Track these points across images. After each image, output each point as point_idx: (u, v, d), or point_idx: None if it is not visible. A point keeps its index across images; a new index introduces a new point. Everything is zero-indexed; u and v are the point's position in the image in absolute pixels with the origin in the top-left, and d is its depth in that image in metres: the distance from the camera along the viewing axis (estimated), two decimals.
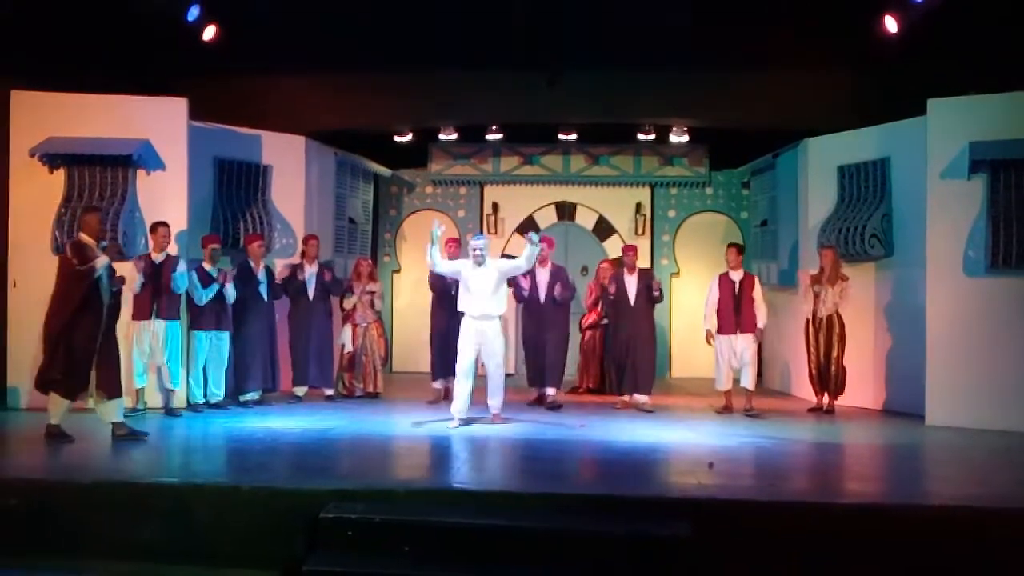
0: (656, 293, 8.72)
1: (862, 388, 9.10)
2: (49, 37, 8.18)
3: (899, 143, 8.90)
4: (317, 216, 10.33)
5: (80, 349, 6.31)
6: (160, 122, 8.38)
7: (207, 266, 8.27)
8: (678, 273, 12.37)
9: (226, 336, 8.34)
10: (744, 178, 12.18)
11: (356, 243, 11.41)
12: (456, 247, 9.13)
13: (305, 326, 8.98)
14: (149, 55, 8.84)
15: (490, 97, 10.18)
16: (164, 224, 7.99)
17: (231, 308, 8.40)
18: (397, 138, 11.29)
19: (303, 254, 9.18)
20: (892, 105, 8.84)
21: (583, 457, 6.45)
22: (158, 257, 7.92)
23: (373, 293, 9.47)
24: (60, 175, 8.24)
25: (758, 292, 8.65)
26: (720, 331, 8.61)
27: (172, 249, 8.06)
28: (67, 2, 8.10)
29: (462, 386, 7.50)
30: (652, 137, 11.21)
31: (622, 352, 8.81)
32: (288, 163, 9.93)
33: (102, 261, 6.35)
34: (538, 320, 8.78)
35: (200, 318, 8.20)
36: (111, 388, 6.49)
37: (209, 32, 8.77)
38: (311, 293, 8.98)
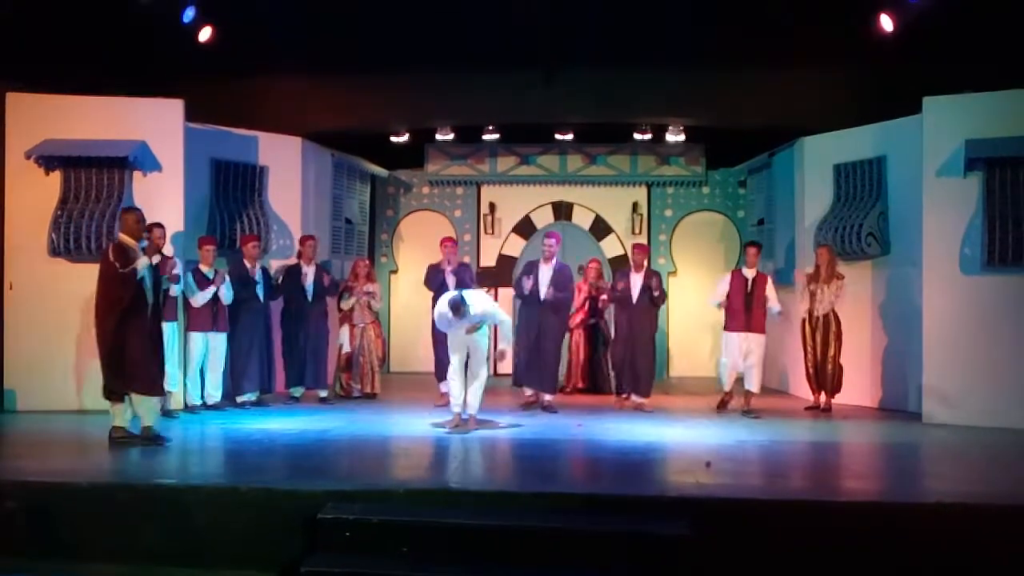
0: (656, 293, 8.61)
1: (859, 386, 9.11)
2: (45, 39, 8.16)
3: (895, 142, 8.91)
4: (314, 217, 10.33)
5: (139, 349, 6.29)
6: (156, 123, 8.38)
7: (204, 268, 8.27)
8: (675, 272, 12.38)
9: (223, 337, 8.33)
10: (741, 177, 12.19)
11: (353, 244, 11.41)
12: (453, 246, 9.09)
13: (301, 327, 8.96)
14: (145, 57, 8.83)
15: (486, 97, 10.17)
16: (160, 226, 7.93)
17: (227, 309, 8.39)
18: (394, 139, 11.28)
19: (300, 254, 9.16)
20: (888, 104, 8.85)
21: (581, 457, 6.46)
22: (154, 258, 7.88)
23: (370, 294, 9.47)
24: (56, 177, 8.23)
25: (771, 290, 8.46)
26: (728, 328, 8.45)
27: (168, 251, 8.05)
28: (63, 4, 8.09)
29: (454, 384, 7.49)
30: (648, 136, 11.22)
31: (621, 351, 8.75)
32: (285, 164, 9.93)
33: (143, 262, 6.33)
34: (537, 320, 8.52)
35: (197, 319, 8.20)
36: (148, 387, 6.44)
37: (205, 33, 8.75)
38: (308, 294, 8.96)
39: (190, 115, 8.58)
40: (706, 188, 12.48)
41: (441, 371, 8.82)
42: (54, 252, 8.12)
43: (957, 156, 7.91)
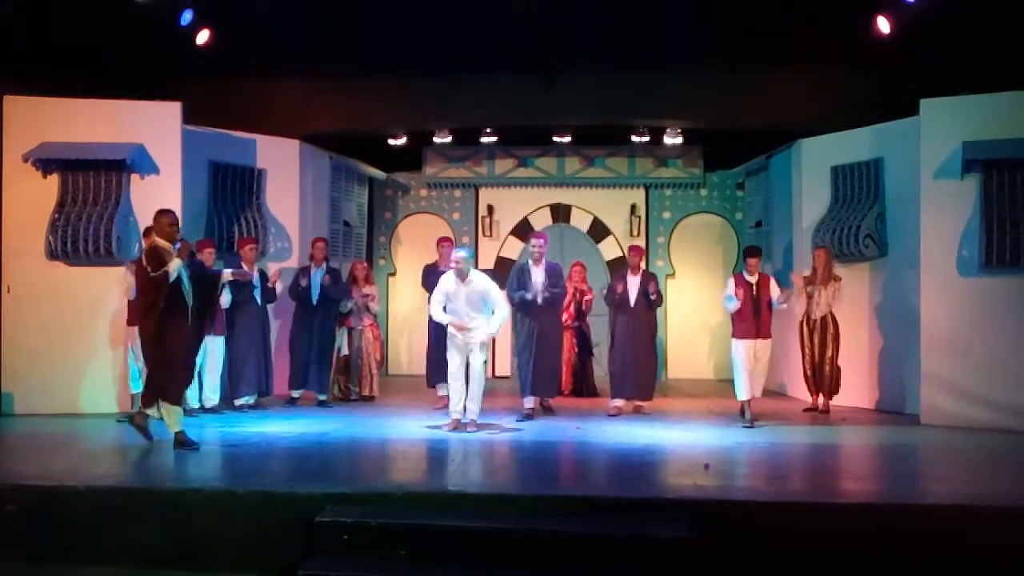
0: (654, 296, 8.51)
1: (857, 388, 9.11)
2: (43, 42, 8.17)
3: (892, 143, 8.92)
4: (312, 220, 10.33)
5: (177, 350, 6.30)
6: (154, 126, 8.39)
7: None
8: (673, 274, 12.39)
9: (221, 341, 8.32)
10: (738, 179, 12.21)
11: (351, 246, 11.41)
12: (450, 246, 9.07)
13: (307, 329, 8.94)
14: (143, 59, 8.83)
15: (484, 100, 10.18)
16: None
17: (225, 312, 8.38)
18: (392, 141, 11.29)
19: (311, 257, 9.13)
20: (885, 106, 8.86)
21: (579, 459, 6.45)
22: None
23: (368, 296, 9.47)
24: (54, 180, 8.23)
25: (774, 289, 8.21)
26: (738, 335, 8.12)
27: None
28: (61, 7, 8.09)
29: (454, 387, 7.53)
30: (646, 139, 11.23)
31: (621, 355, 8.56)
32: (283, 167, 9.93)
33: (175, 264, 6.30)
34: (533, 323, 8.28)
35: None
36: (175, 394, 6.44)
37: (203, 36, 8.76)
38: (315, 297, 8.92)
39: (188, 118, 8.58)
40: (704, 190, 12.49)
41: (433, 375, 8.81)
42: (52, 255, 8.11)
43: (954, 158, 7.92)
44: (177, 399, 6.37)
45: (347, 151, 11.19)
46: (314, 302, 8.90)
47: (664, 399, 9.65)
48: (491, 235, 12.50)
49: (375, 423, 7.84)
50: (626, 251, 12.06)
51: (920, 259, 8.20)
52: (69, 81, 8.31)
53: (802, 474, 6.14)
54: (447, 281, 7.46)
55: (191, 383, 6.81)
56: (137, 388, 7.94)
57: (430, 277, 8.79)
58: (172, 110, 8.47)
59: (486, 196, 12.62)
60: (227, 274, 6.90)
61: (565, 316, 9.79)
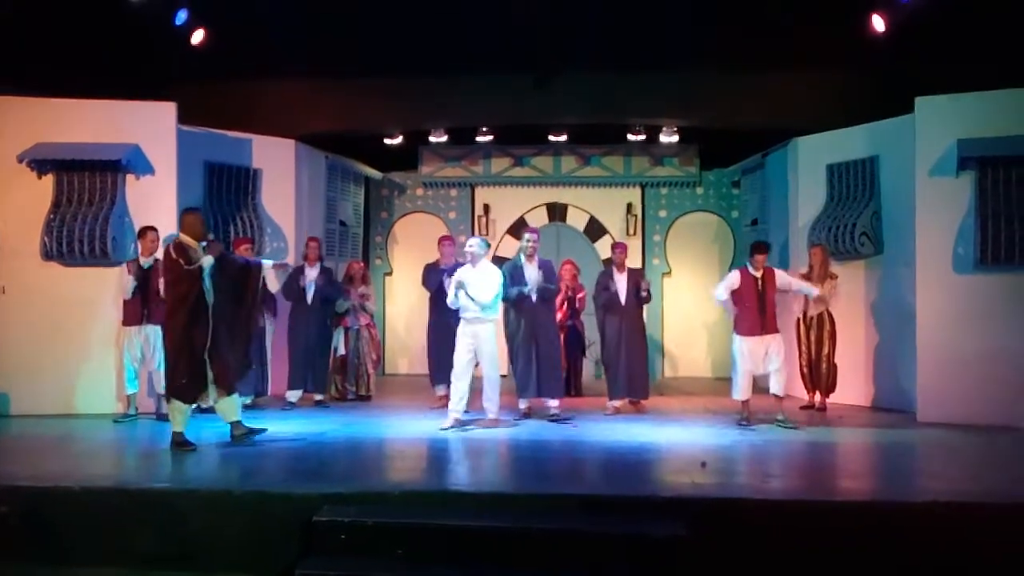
0: (644, 294, 8.49)
1: (853, 385, 9.13)
2: (37, 42, 8.15)
3: (887, 141, 8.94)
4: (308, 219, 10.32)
5: (200, 350, 6.32)
6: (149, 126, 8.37)
7: None
8: (669, 273, 12.40)
9: None
10: (734, 178, 12.22)
11: (347, 246, 11.40)
12: (451, 245, 9.08)
13: (303, 330, 8.92)
14: (138, 59, 8.82)
15: (480, 99, 10.18)
16: (152, 229, 7.97)
17: None
18: (387, 141, 11.28)
19: (305, 257, 9.12)
20: (880, 104, 8.88)
21: (576, 458, 6.45)
22: (147, 262, 7.89)
23: (365, 296, 9.46)
24: (49, 180, 8.21)
25: (787, 279, 7.91)
26: (741, 331, 7.76)
27: (160, 254, 8.03)
28: (55, 7, 8.07)
29: (458, 386, 7.55)
30: (642, 137, 11.24)
31: (612, 354, 8.51)
32: (278, 167, 9.92)
33: (208, 260, 6.38)
34: (529, 321, 8.02)
35: None
36: (227, 383, 6.47)
37: (198, 36, 8.75)
38: (310, 297, 8.91)
39: (183, 118, 8.57)
40: (700, 189, 12.50)
41: (436, 374, 8.80)
42: (47, 256, 8.09)
43: (949, 156, 7.94)
44: (186, 397, 6.37)
45: (343, 151, 11.18)
46: (309, 301, 8.89)
47: (661, 397, 9.65)
48: (487, 234, 12.48)
49: (372, 423, 7.84)
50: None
51: (916, 256, 8.21)
52: (64, 81, 8.30)
53: (799, 472, 6.14)
54: (462, 271, 7.68)
55: (245, 376, 6.87)
56: (133, 389, 7.96)
57: (431, 276, 8.77)
58: (167, 110, 8.46)
59: (482, 195, 12.62)
60: (268, 265, 6.98)
61: (559, 315, 9.78)
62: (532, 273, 8.09)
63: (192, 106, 8.71)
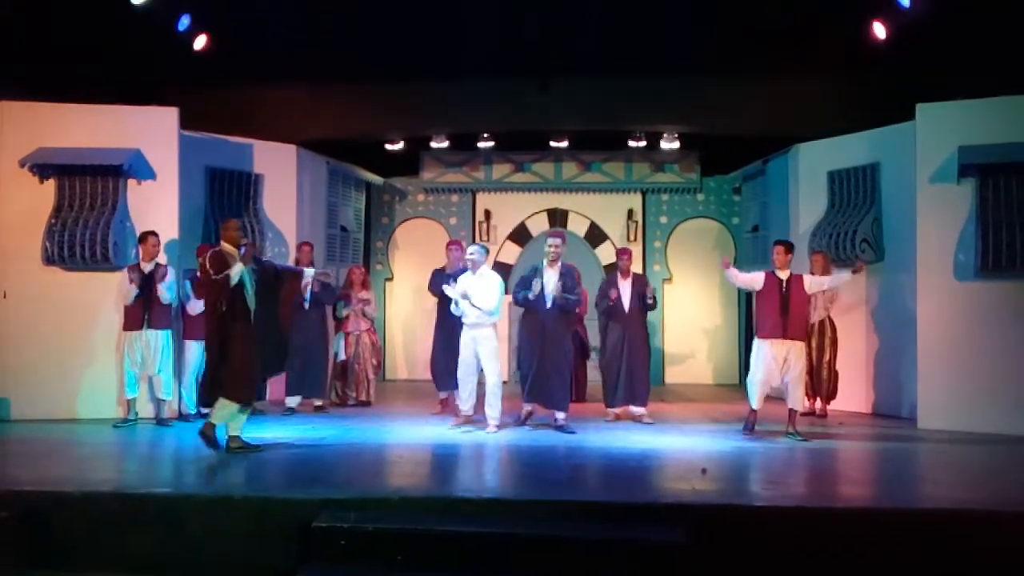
0: (650, 300, 8.36)
1: (854, 392, 9.12)
2: (39, 47, 8.17)
3: (888, 148, 8.94)
4: (309, 225, 10.33)
5: (239, 356, 6.33)
6: (151, 131, 8.38)
7: None
8: (670, 279, 12.40)
9: None
10: (735, 184, 12.23)
11: (348, 252, 11.40)
12: (458, 250, 9.06)
13: (299, 335, 8.89)
14: (140, 64, 8.84)
15: (481, 105, 10.19)
16: (153, 234, 7.98)
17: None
18: (389, 146, 11.30)
19: (297, 262, 9.11)
20: (881, 111, 8.88)
21: (576, 464, 6.44)
22: (148, 266, 7.90)
23: (365, 301, 9.46)
24: (51, 185, 8.22)
25: (809, 283, 7.56)
26: (762, 334, 7.43)
27: (162, 259, 8.04)
28: (57, 12, 8.09)
29: (465, 385, 7.76)
30: (643, 144, 11.24)
31: (614, 361, 8.38)
32: (280, 172, 9.93)
33: (238, 268, 6.39)
34: (539, 327, 7.76)
35: (193, 328, 8.18)
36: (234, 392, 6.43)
37: (200, 41, 8.78)
38: (307, 302, 8.88)
39: (185, 123, 8.58)
40: (701, 195, 12.51)
41: (438, 379, 8.78)
42: (48, 260, 8.10)
43: (950, 163, 7.94)
44: (243, 398, 6.39)
45: (344, 156, 11.19)
46: (306, 307, 8.88)
47: (661, 404, 9.64)
48: (488, 240, 12.50)
49: (372, 428, 7.83)
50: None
51: (916, 263, 8.21)
52: (66, 86, 8.31)
53: (799, 478, 6.13)
54: (463, 279, 7.77)
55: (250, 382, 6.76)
56: (134, 393, 7.96)
57: (437, 280, 8.76)
58: (169, 115, 8.47)
59: (483, 201, 12.63)
60: (309, 274, 7.05)
61: None
62: (552, 278, 7.79)
63: (194, 111, 8.72)
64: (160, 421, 7.97)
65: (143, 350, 7.85)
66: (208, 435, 6.31)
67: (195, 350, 8.20)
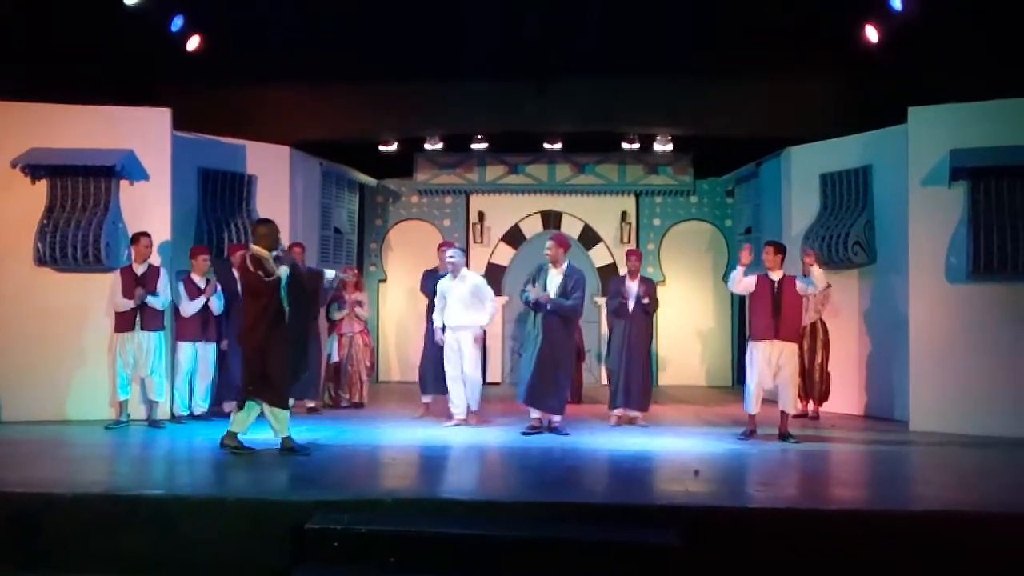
0: (646, 300, 8.21)
1: (846, 394, 9.15)
2: (31, 47, 8.14)
3: (880, 151, 8.98)
4: (302, 226, 10.30)
5: (279, 359, 6.33)
6: (144, 132, 8.36)
7: (196, 277, 8.24)
8: (664, 281, 12.40)
9: (212, 347, 8.30)
10: (728, 186, 12.26)
11: (342, 253, 11.39)
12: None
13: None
14: (133, 65, 8.81)
15: (475, 107, 10.20)
16: (146, 235, 7.95)
17: (216, 319, 8.36)
18: (382, 148, 11.29)
19: None
20: (873, 114, 8.92)
21: (570, 465, 6.43)
22: (140, 268, 7.87)
23: (358, 303, 9.45)
24: (43, 186, 8.19)
25: (802, 287, 7.47)
26: (754, 335, 7.46)
27: (155, 260, 8.02)
28: (50, 12, 8.07)
29: (454, 388, 7.99)
30: (637, 146, 11.27)
31: (617, 364, 8.26)
32: (273, 173, 9.91)
33: (284, 270, 6.40)
34: (539, 328, 7.63)
35: (186, 329, 8.17)
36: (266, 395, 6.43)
37: (193, 42, 8.76)
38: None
39: (177, 124, 8.56)
40: (694, 197, 12.54)
41: (424, 382, 8.75)
42: (40, 261, 8.06)
43: (942, 166, 7.98)
44: (283, 403, 6.41)
45: (338, 157, 11.18)
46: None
47: (656, 406, 9.60)
48: (482, 242, 12.51)
49: (365, 430, 7.81)
50: (616, 258, 12.17)
51: (908, 266, 8.24)
52: (58, 87, 8.28)
53: (792, 481, 6.14)
54: (443, 282, 7.98)
55: (296, 382, 6.86)
56: (126, 395, 7.92)
57: (429, 281, 8.74)
58: (162, 116, 8.45)
59: (477, 203, 12.64)
60: (329, 275, 7.09)
61: None
62: (555, 280, 7.68)
63: (187, 112, 8.70)
64: (152, 423, 7.94)
65: (135, 352, 7.81)
66: (289, 447, 6.37)
67: (187, 351, 8.19)
